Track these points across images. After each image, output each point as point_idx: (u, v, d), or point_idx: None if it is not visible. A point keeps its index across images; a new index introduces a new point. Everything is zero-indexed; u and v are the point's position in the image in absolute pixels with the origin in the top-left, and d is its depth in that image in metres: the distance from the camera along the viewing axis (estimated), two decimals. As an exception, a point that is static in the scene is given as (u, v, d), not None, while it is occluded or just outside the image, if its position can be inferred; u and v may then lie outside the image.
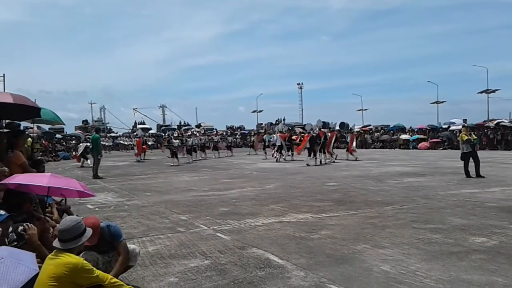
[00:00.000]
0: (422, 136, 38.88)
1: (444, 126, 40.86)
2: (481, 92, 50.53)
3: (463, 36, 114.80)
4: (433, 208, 8.34)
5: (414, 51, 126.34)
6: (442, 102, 56.90)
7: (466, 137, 13.62)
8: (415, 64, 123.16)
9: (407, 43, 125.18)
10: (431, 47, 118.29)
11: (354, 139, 25.35)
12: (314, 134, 21.78)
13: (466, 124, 19.85)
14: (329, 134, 23.15)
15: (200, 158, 28.23)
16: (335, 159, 23.10)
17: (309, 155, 21.22)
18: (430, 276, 4.39)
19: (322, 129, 23.07)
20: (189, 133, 29.59)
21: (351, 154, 24.12)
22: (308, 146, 21.45)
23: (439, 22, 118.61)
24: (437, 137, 37.26)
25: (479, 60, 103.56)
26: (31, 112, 6.43)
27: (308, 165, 20.23)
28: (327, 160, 22.19)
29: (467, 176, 13.28)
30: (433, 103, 56.95)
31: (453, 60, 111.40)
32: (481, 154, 14.54)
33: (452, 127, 37.69)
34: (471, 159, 13.50)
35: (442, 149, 33.67)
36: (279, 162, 23.24)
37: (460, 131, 20.11)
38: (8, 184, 4.47)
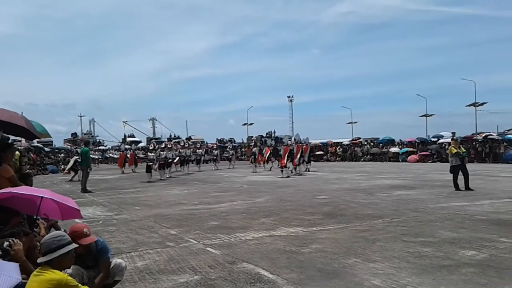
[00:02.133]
0: (411, 149, 39.21)
1: (433, 139, 41.21)
2: (469, 106, 51.35)
3: (452, 50, 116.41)
4: (423, 221, 8.35)
5: (403, 65, 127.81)
6: (431, 115, 57.61)
7: (455, 150, 13.73)
8: (405, 77, 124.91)
9: (397, 57, 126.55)
10: (420, 60, 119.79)
11: (301, 152, 24.64)
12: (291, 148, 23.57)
13: (455, 137, 19.98)
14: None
15: (179, 172, 27.07)
16: (304, 171, 24.50)
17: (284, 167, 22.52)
18: (421, 290, 4.38)
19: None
20: (163, 146, 28.43)
21: (295, 167, 24.07)
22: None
23: (428, 36, 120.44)
24: (426, 150, 37.55)
25: (467, 74, 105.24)
26: (30, 135, 6.47)
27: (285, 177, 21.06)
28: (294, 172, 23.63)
29: (456, 189, 13.35)
30: (422, 116, 57.62)
31: (442, 73, 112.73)
32: (470, 167, 14.64)
33: (441, 140, 38.03)
34: (460, 172, 13.60)
35: (431, 162, 33.93)
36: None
37: (449, 144, 20.30)
38: (7, 193, 4.41)
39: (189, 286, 4.77)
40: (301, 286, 4.64)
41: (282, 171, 22.01)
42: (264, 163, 29.48)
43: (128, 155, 33.30)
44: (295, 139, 25.02)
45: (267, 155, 29.20)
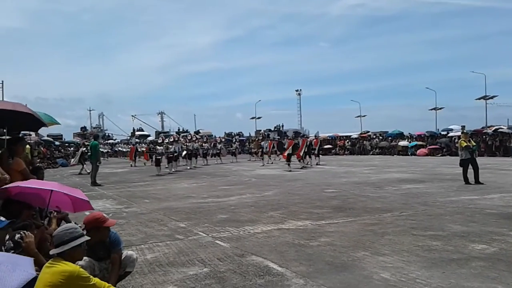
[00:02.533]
0: (420, 143, 38.93)
1: (442, 133, 40.93)
2: (479, 99, 50.78)
3: (462, 43, 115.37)
4: (432, 215, 8.32)
5: (412, 58, 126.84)
6: (440, 108, 57.18)
7: (465, 144, 13.62)
8: (414, 70, 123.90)
9: (406, 50, 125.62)
10: (429, 53, 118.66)
11: (309, 145, 24.91)
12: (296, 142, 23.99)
13: (465, 131, 19.83)
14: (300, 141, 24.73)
15: (189, 166, 26.81)
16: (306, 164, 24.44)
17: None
18: (430, 284, 4.37)
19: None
20: (171, 139, 28.55)
21: (299, 160, 24.20)
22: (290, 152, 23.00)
23: (438, 29, 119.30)
24: (436, 143, 37.30)
25: (477, 67, 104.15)
26: (36, 124, 6.52)
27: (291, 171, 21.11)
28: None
29: (466, 182, 13.27)
30: (432, 109, 57.22)
31: (451, 66, 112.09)
32: (479, 160, 14.54)
33: (451, 134, 37.77)
34: (470, 166, 13.51)
35: (440, 156, 33.71)
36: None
37: (458, 137, 20.19)
38: (16, 187, 4.47)
39: (199, 278, 4.80)
40: (310, 279, 4.65)
41: (288, 164, 22.07)
42: (268, 156, 29.56)
43: (143, 149, 33.87)
44: (304, 135, 25.24)
45: (271, 148, 29.41)
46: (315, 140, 26.62)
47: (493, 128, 35.78)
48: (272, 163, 28.21)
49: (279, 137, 38.55)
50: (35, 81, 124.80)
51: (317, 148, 25.84)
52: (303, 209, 9.43)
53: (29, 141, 16.00)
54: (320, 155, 27.97)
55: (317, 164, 25.50)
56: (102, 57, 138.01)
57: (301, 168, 22.62)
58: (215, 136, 50.15)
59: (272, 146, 29.40)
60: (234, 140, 49.02)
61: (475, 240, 6.19)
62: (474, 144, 14.42)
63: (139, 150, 35.46)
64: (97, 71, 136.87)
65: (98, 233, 3.91)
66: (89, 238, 3.42)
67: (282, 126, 70.34)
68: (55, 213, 4.82)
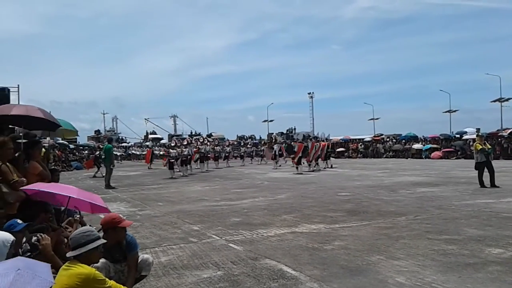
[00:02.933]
0: (435, 146, 38.60)
1: (457, 135, 40.52)
2: (494, 101, 50.20)
3: (476, 45, 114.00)
4: (447, 218, 8.23)
5: (426, 60, 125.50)
6: (454, 111, 56.57)
7: (481, 147, 13.47)
8: (427, 72, 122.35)
9: (419, 52, 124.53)
10: (443, 55, 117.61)
11: (314, 149, 24.59)
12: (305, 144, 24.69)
13: (480, 134, 19.61)
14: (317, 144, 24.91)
15: (202, 169, 27.04)
16: (324, 168, 24.64)
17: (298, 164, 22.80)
18: (446, 288, 4.32)
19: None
20: (185, 143, 28.77)
21: (309, 164, 24.12)
22: (300, 155, 23.21)
23: (452, 31, 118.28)
24: (450, 146, 36.95)
25: (492, 69, 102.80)
26: (52, 125, 6.62)
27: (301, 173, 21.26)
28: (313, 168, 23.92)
29: (481, 186, 13.12)
30: (446, 112, 56.68)
31: (466, 68, 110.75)
32: (495, 163, 14.35)
33: (465, 136, 37.38)
34: (485, 169, 13.35)
35: (455, 159, 33.38)
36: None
37: (473, 140, 19.93)
38: (35, 190, 4.54)
39: (213, 281, 4.80)
40: (325, 282, 4.63)
41: (297, 168, 22.03)
42: (276, 160, 29.16)
43: (161, 152, 34.26)
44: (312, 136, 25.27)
45: (278, 152, 29.41)
46: (322, 143, 26.28)
47: (509, 131, 35.30)
48: (280, 166, 28.00)
49: (288, 140, 38.65)
50: (50, 85, 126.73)
51: (324, 151, 25.41)
52: (317, 212, 9.39)
53: (45, 144, 16.21)
54: (329, 159, 27.01)
55: (325, 168, 25.24)
56: (116, 61, 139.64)
57: (311, 172, 22.53)
58: (228, 140, 50.32)
59: (279, 149, 29.54)
60: (242, 143, 49.17)
61: (492, 244, 6.10)
62: (490, 147, 14.26)
63: (155, 153, 35.78)
64: (111, 75, 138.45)
65: (114, 234, 3.95)
66: (105, 241, 3.45)
67: (294, 129, 70.22)
68: (77, 216, 4.88)
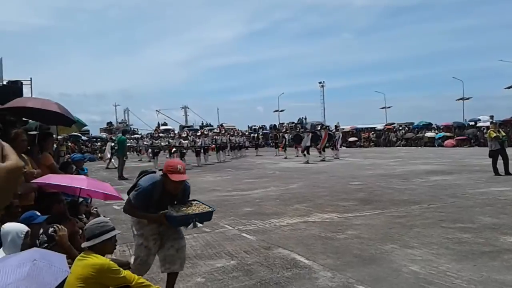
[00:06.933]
0: (448, 134, 38.13)
1: (470, 123, 40.02)
2: (508, 88, 49.24)
3: (489, 31, 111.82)
4: (461, 207, 8.16)
5: (438, 47, 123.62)
6: (468, 98, 55.68)
7: (495, 134, 13.30)
8: (440, 60, 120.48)
9: (431, 39, 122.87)
10: (455, 42, 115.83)
11: (327, 137, 24.09)
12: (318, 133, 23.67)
13: (494, 121, 19.35)
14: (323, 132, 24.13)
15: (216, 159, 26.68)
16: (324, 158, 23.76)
17: (304, 152, 22.55)
18: (461, 277, 4.29)
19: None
20: (199, 133, 28.66)
21: (320, 152, 23.71)
22: (308, 144, 22.85)
23: (464, 17, 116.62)
24: (464, 134, 36.49)
25: (505, 55, 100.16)
26: (67, 120, 6.66)
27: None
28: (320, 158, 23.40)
29: (495, 174, 12.97)
30: (459, 99, 55.79)
31: (479, 55, 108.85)
32: (510, 151, 14.16)
33: (479, 124, 36.87)
34: (499, 157, 13.19)
35: (468, 147, 33.00)
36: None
37: (487, 128, 19.73)
38: (46, 184, 4.58)
39: (226, 271, 4.83)
40: (338, 271, 4.63)
41: (304, 155, 22.00)
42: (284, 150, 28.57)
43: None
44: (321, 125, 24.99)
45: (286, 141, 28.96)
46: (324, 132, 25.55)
47: (523, 118, 34.76)
48: (286, 157, 27.00)
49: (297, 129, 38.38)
50: (59, 77, 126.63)
51: (325, 141, 24.80)
52: (329, 201, 9.37)
53: (57, 137, 16.36)
54: (336, 147, 25.70)
55: (333, 157, 24.54)
56: (125, 52, 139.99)
57: (321, 161, 22.41)
58: (239, 130, 50.30)
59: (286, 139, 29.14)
60: (248, 134, 49.06)
61: (507, 232, 6.05)
62: (504, 134, 14.05)
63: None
64: (120, 67, 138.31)
65: (166, 180, 3.85)
66: (119, 232, 3.48)
67: (305, 118, 69.72)
68: (95, 210, 4.93)
